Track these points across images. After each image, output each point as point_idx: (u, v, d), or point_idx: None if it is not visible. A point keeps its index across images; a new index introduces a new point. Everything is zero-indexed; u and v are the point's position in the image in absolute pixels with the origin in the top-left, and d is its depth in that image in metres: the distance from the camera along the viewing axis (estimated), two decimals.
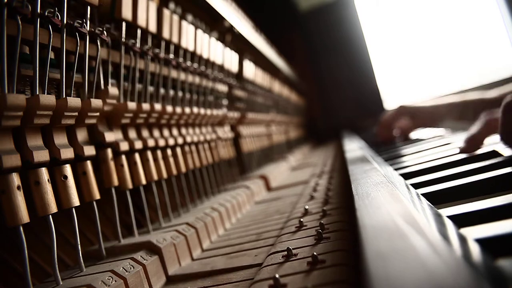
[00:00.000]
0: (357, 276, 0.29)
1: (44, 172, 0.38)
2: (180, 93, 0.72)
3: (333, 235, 0.40)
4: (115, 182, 0.49)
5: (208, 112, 0.81)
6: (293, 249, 0.38)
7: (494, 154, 0.53)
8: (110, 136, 0.50)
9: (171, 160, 0.64)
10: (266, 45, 1.49)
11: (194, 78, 0.78)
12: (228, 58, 0.98)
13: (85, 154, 0.44)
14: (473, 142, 0.59)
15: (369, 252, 0.21)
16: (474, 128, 0.61)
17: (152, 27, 0.60)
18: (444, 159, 0.58)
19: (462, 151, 0.59)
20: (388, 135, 1.14)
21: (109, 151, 0.50)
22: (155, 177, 0.59)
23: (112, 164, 0.50)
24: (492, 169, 0.45)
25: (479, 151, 0.57)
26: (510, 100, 0.51)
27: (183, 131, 0.72)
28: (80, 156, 0.44)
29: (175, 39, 0.67)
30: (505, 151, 0.51)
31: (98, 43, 0.48)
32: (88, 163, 0.45)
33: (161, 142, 0.62)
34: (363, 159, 0.66)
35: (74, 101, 0.41)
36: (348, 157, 0.76)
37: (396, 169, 0.62)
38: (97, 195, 0.45)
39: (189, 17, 0.79)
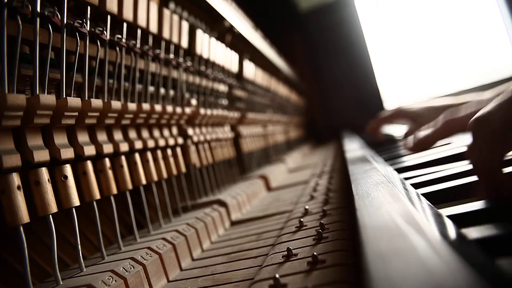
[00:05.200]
0: (357, 276, 0.29)
1: (44, 172, 0.38)
2: (180, 93, 0.72)
3: (333, 235, 0.40)
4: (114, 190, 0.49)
5: (208, 112, 0.81)
6: (293, 249, 0.38)
7: None
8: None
9: (171, 160, 0.64)
10: (266, 45, 1.49)
11: (194, 78, 0.78)
12: (228, 58, 0.98)
13: (85, 154, 0.44)
14: (424, 141, 0.57)
15: (369, 252, 0.21)
16: (431, 127, 0.59)
17: (153, 27, 0.60)
18: (444, 159, 0.58)
19: (410, 148, 0.58)
20: (376, 130, 1.17)
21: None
22: (155, 177, 0.59)
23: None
24: None
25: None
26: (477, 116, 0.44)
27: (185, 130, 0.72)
28: (80, 156, 0.44)
29: (175, 39, 0.67)
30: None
31: (98, 43, 0.48)
32: (88, 163, 0.45)
33: (161, 142, 0.62)
34: (363, 159, 0.66)
35: (74, 101, 0.41)
36: (348, 157, 0.76)
37: (396, 169, 0.62)
38: (97, 195, 0.45)
39: (189, 17, 0.79)
